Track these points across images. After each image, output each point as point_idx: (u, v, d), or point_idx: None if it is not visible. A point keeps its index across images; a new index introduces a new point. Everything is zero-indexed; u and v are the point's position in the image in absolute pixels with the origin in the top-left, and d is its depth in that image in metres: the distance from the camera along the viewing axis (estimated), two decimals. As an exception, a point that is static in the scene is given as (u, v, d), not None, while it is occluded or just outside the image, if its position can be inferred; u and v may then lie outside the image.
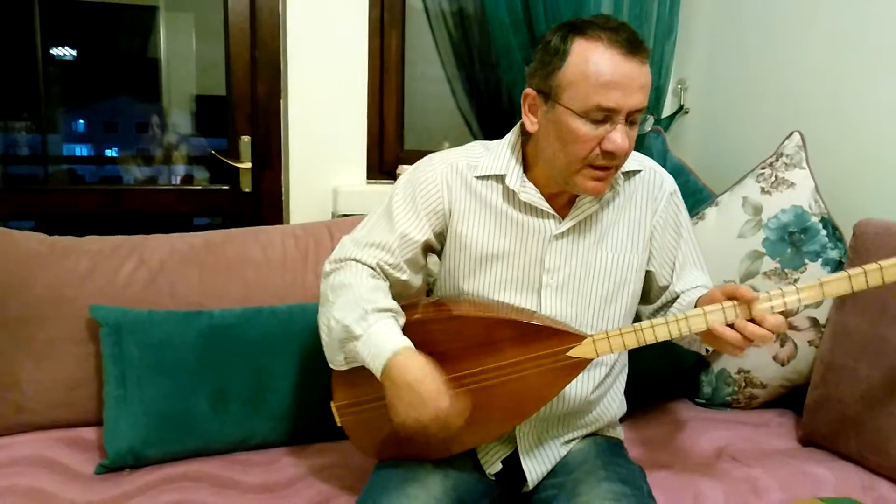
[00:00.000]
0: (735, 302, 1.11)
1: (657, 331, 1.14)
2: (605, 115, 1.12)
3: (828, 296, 1.11)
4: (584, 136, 1.13)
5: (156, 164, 3.11)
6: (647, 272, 1.34)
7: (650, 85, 1.16)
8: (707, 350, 1.28)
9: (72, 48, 3.22)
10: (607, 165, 1.16)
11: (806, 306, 1.67)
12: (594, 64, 1.11)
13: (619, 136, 1.12)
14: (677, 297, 1.33)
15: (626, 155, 1.17)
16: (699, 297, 1.22)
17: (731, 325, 1.11)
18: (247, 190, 2.10)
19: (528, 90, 1.20)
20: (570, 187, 1.20)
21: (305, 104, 2.02)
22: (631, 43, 1.11)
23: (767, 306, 1.10)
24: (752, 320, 1.11)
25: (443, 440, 1.18)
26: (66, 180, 3.31)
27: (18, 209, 2.02)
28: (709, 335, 1.15)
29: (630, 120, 1.14)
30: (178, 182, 3.07)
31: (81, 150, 4.29)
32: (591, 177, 1.17)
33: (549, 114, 1.17)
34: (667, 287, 1.34)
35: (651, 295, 1.37)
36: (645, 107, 1.15)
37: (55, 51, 3.04)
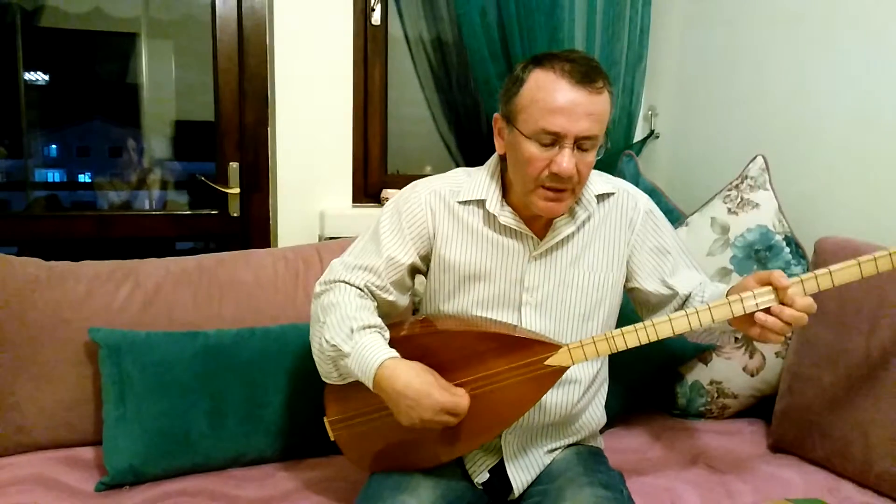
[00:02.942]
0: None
1: (626, 337, 1.21)
2: (552, 139, 1.19)
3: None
4: (533, 157, 1.20)
5: (136, 188, 3.12)
6: (635, 289, 1.40)
7: (604, 115, 1.20)
8: (736, 338, 1.34)
9: (49, 73, 3.23)
10: (558, 187, 1.22)
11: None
12: (542, 90, 1.18)
13: (564, 160, 1.18)
14: (687, 297, 1.36)
15: (576, 178, 1.22)
16: (730, 288, 1.25)
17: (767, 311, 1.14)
18: (235, 214, 2.15)
19: (497, 114, 1.30)
20: (530, 206, 1.27)
21: (292, 131, 2.08)
22: (583, 74, 1.18)
23: (799, 289, 1.15)
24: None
25: (450, 435, 1.25)
26: (43, 206, 3.31)
27: (2, 235, 2.04)
28: (743, 325, 1.19)
29: (580, 146, 1.20)
30: (156, 207, 3.09)
31: (54, 176, 4.26)
32: (543, 196, 1.24)
33: (509, 136, 1.26)
34: (669, 296, 1.37)
35: (651, 306, 1.41)
36: (595, 135, 1.20)
37: (30, 76, 3.06)
